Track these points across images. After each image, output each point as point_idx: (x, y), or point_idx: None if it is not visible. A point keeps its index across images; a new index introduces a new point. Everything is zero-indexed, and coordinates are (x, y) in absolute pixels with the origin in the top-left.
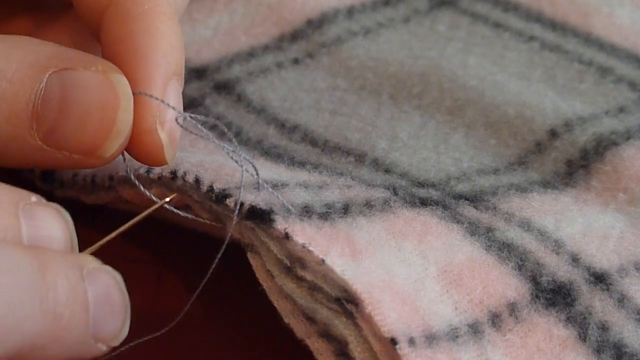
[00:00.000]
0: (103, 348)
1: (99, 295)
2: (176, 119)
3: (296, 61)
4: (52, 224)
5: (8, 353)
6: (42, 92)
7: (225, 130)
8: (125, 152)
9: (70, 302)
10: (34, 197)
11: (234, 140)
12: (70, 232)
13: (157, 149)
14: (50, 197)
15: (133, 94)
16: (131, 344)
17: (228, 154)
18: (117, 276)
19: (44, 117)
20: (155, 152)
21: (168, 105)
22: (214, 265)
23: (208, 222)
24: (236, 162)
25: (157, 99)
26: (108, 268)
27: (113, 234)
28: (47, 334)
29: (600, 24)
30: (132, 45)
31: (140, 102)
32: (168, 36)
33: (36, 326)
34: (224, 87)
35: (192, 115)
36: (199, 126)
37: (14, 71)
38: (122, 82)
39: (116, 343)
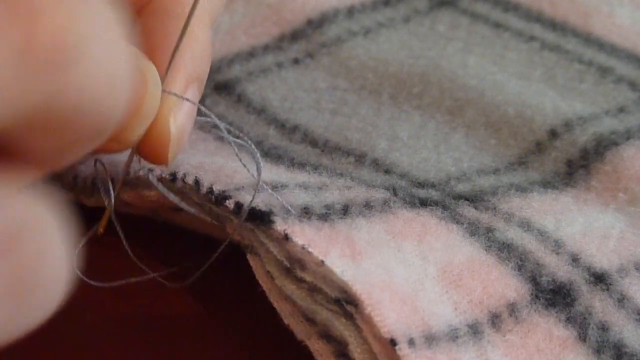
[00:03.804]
0: None
1: None
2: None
3: (296, 61)
4: None
5: None
6: None
7: (225, 132)
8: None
9: None
10: None
11: (246, 139)
12: None
13: (164, 144)
14: None
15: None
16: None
17: (237, 155)
18: None
19: None
20: (162, 148)
21: (184, 98)
22: (212, 260)
23: (209, 219)
24: (243, 164)
25: (176, 95)
26: None
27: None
28: None
29: (600, 24)
30: (166, 42)
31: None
32: (201, 41)
33: None
34: (224, 87)
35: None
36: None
37: None
38: (151, 70)
39: None
